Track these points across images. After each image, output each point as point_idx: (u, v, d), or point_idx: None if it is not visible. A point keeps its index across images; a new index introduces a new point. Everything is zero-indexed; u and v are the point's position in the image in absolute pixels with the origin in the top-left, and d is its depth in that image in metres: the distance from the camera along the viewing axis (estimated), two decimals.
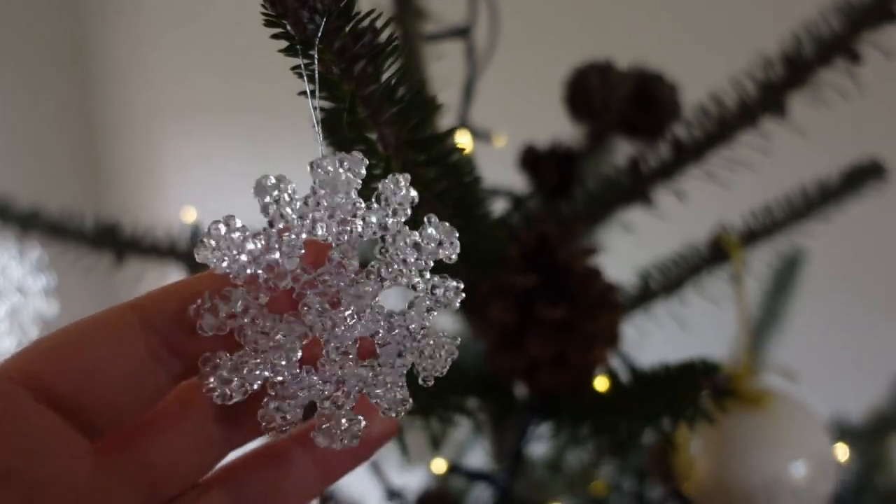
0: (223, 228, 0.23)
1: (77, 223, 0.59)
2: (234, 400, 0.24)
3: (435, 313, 0.25)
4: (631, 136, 0.53)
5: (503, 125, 0.63)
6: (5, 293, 0.60)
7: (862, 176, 0.53)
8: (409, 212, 0.24)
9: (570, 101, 0.52)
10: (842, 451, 0.71)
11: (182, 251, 0.59)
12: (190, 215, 0.62)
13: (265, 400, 0.24)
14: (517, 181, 0.59)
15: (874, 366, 0.95)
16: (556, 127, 0.60)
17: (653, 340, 0.62)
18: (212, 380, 0.23)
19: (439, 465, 0.55)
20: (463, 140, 0.53)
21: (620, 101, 0.50)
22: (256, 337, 0.24)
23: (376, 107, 0.26)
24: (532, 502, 0.61)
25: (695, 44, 1.12)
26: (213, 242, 0.23)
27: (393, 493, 0.60)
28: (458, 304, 0.25)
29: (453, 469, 0.54)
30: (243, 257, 0.23)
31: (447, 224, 0.24)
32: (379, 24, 0.24)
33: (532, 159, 0.55)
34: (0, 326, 0.61)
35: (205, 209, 0.62)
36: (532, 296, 0.47)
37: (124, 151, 2.28)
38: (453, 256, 0.25)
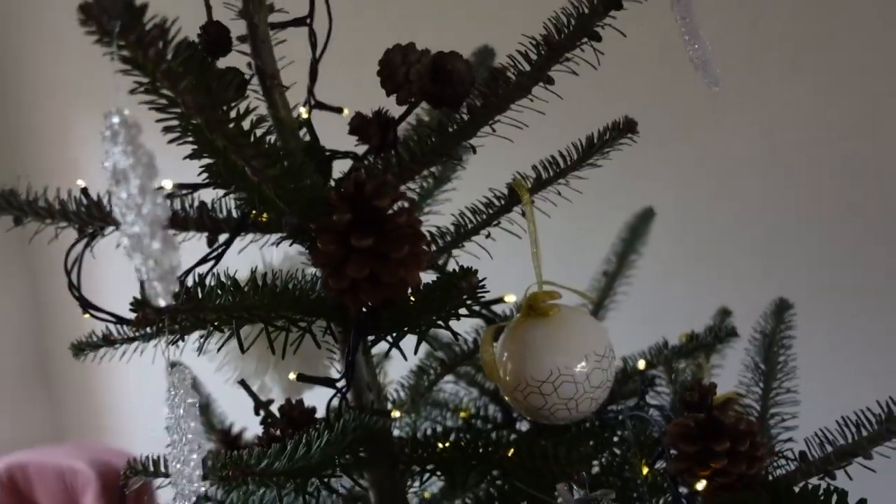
0: None
1: None
2: None
3: None
4: (435, 105, 0.66)
5: (346, 100, 0.76)
6: None
7: (620, 131, 0.68)
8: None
9: (381, 75, 0.64)
10: (642, 363, 0.87)
11: (72, 212, 0.70)
12: (80, 183, 0.73)
13: None
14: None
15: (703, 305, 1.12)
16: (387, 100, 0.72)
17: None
18: None
19: (291, 376, 0.67)
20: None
21: (419, 75, 0.62)
22: None
23: (173, 79, 0.38)
24: (382, 412, 0.74)
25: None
26: None
27: (261, 405, 0.72)
28: None
29: (300, 378, 0.66)
30: None
31: None
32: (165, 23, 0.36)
33: (360, 124, 0.67)
34: None
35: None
36: (349, 230, 0.60)
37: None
38: None
